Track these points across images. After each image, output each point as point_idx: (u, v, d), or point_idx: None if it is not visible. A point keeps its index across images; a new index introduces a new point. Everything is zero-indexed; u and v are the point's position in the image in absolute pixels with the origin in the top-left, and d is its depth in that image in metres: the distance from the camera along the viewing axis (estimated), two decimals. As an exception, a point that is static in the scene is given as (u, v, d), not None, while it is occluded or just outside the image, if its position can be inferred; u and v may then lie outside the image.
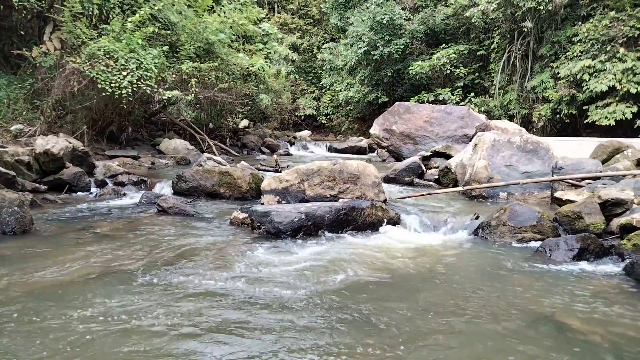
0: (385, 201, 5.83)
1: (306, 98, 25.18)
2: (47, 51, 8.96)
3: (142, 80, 8.98)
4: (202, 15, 11.83)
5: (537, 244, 4.57)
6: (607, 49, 12.95)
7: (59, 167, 6.58)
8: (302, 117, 24.98)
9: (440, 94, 17.70)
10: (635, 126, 12.26)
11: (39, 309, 2.78)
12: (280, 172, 7.08)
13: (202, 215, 5.60)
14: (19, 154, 6.35)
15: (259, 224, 4.88)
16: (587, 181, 6.16)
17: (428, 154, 9.77)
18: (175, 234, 4.67)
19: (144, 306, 2.88)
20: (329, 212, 4.92)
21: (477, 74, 18.24)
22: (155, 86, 9.36)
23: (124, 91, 8.65)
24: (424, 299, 3.22)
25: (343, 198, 5.65)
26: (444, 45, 18.73)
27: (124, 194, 6.64)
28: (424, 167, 8.60)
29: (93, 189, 6.71)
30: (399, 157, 11.93)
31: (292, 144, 17.11)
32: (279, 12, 27.10)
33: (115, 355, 2.30)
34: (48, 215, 5.28)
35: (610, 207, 4.77)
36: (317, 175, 5.85)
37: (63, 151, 6.60)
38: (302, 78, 25.67)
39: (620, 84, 12.37)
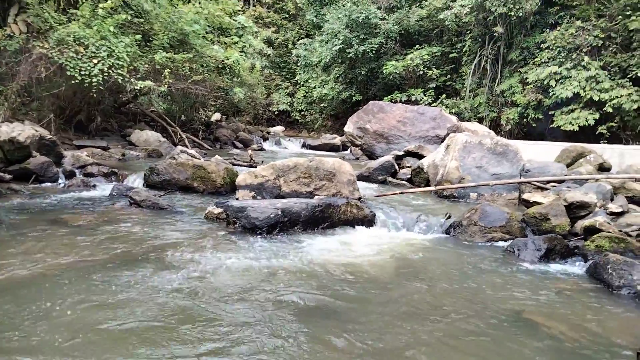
0: (360, 199, 5.90)
1: (280, 93, 25.04)
2: (12, 34, 8.60)
3: (113, 68, 8.74)
4: (177, 4, 11.60)
5: (506, 243, 4.73)
6: (573, 57, 13.45)
7: (25, 156, 6.35)
8: (276, 113, 24.84)
9: (413, 95, 17.94)
10: (597, 132, 12.79)
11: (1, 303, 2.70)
12: (255, 167, 7.06)
13: (176, 209, 5.52)
14: (-18, 141, 6.08)
15: (235, 219, 4.85)
16: (552, 184, 6.41)
17: (401, 153, 9.90)
18: (148, 228, 4.59)
19: (112, 301, 2.83)
20: (305, 208, 4.94)
21: (449, 76, 18.58)
22: (127, 75, 9.13)
23: (94, 79, 8.41)
24: (396, 299, 3.29)
25: (319, 195, 5.68)
26: (417, 46, 18.98)
27: (94, 186, 6.47)
28: (396, 166, 8.72)
29: (61, 180, 6.51)
30: (372, 156, 12.05)
31: (265, 139, 17.01)
32: (254, 6, 26.79)
33: (80, 351, 2.26)
34: (13, 205, 5.10)
35: (575, 210, 4.99)
36: (293, 172, 5.85)
37: (30, 139, 6.36)
38: (276, 73, 25.50)
39: (584, 91, 12.87)
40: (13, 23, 8.91)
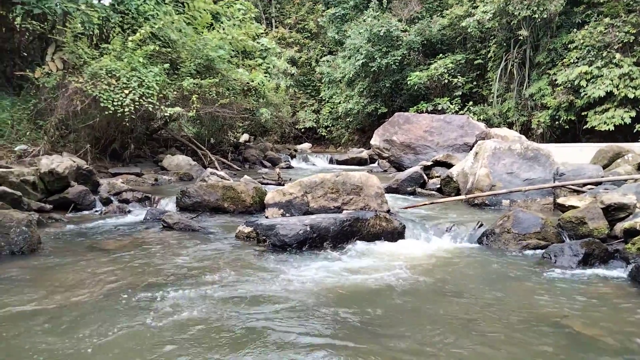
0: (388, 211, 5.86)
1: (306, 111, 25.32)
2: (49, 72, 9.07)
3: (144, 97, 9.08)
4: (202, 32, 11.98)
5: (542, 250, 4.59)
6: (604, 55, 13.07)
7: (64, 186, 6.63)
8: (303, 130, 25.11)
9: (439, 104, 17.81)
10: (635, 130, 12.32)
11: (47, 330, 2.81)
12: (283, 185, 7.13)
13: (208, 230, 5.64)
14: (24, 174, 6.40)
15: (265, 238, 4.91)
16: (589, 186, 6.20)
17: (429, 163, 9.82)
18: (182, 250, 4.69)
19: (153, 325, 2.90)
20: (333, 223, 4.94)
21: (475, 83, 18.38)
22: (157, 103, 9.46)
23: (126, 109, 8.75)
24: (432, 310, 3.24)
25: (347, 209, 5.68)
26: (441, 55, 18.89)
27: (129, 211, 6.68)
28: (425, 177, 8.64)
29: (98, 207, 6.75)
30: (400, 167, 11.98)
31: (293, 156, 17.17)
32: (276, 27, 27.40)
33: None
34: (55, 234, 5.32)
35: (613, 212, 4.80)
36: (320, 188, 5.89)
37: (68, 170, 6.65)
38: (301, 91, 25.85)
39: (617, 89, 12.46)
40: (51, 61, 9.42)
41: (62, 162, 6.68)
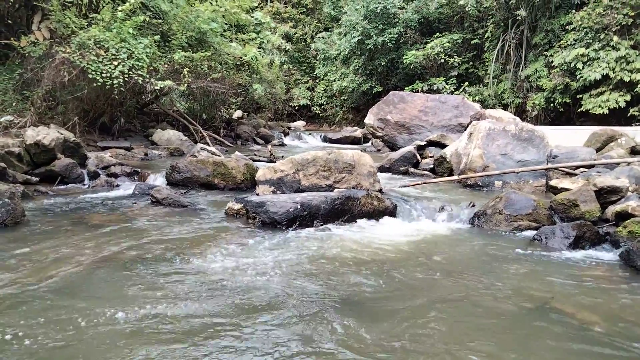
0: (380, 190, 5.81)
1: (300, 88, 25.01)
2: (36, 41, 8.81)
3: (133, 70, 8.87)
4: (194, 3, 11.67)
5: (533, 232, 4.57)
6: (601, 37, 12.93)
7: (51, 158, 6.50)
8: (296, 108, 24.84)
9: (435, 83, 17.63)
10: (629, 114, 12.29)
11: (28, 302, 2.74)
12: (275, 162, 7.04)
13: (197, 206, 5.56)
14: (9, 146, 6.25)
15: (254, 215, 4.84)
16: (581, 169, 6.17)
17: (423, 143, 9.73)
18: (169, 225, 4.62)
19: (136, 299, 2.84)
20: (324, 202, 4.88)
21: (471, 63, 18.18)
22: (147, 76, 9.25)
23: (115, 81, 8.54)
24: (421, 289, 3.21)
25: (338, 188, 5.62)
26: (437, 34, 18.62)
27: (117, 185, 6.57)
28: (419, 157, 8.58)
29: (86, 181, 6.64)
30: (393, 147, 11.89)
31: (286, 134, 17.02)
32: (271, 1, 26.80)
33: (106, 350, 2.27)
34: (40, 206, 5.22)
35: (606, 195, 4.78)
36: (312, 165, 5.81)
37: (54, 142, 6.50)
38: (295, 68, 25.47)
39: (613, 73, 12.37)
40: (37, 30, 9.13)
41: (48, 134, 6.53)
